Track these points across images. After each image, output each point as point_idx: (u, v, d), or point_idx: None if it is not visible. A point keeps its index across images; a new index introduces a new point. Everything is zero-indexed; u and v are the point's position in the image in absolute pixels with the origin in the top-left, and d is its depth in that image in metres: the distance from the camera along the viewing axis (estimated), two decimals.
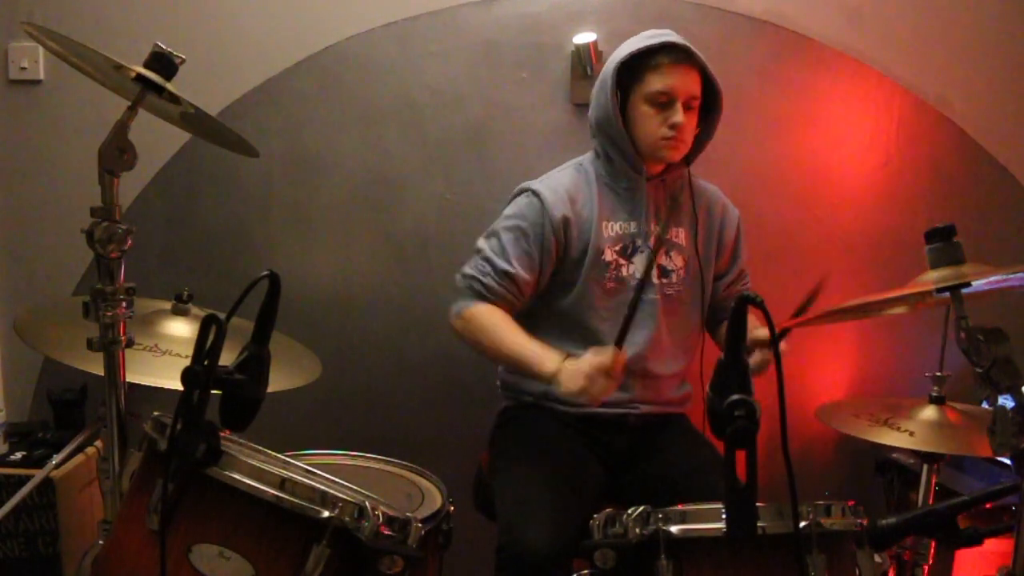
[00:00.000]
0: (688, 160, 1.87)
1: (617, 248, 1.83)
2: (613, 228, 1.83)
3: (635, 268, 1.83)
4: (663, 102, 1.76)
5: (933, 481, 1.75)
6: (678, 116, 1.75)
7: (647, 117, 1.77)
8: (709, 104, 1.83)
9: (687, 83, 1.77)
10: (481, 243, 1.84)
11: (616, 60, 1.77)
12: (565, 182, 1.85)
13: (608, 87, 1.78)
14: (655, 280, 1.84)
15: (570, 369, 1.61)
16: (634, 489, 1.78)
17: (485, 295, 1.78)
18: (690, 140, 1.82)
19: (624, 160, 1.82)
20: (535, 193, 1.83)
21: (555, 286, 1.84)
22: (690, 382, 1.94)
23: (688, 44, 1.76)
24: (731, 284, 1.98)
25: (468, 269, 1.82)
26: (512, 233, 1.80)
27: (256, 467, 1.16)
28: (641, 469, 1.82)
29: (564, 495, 1.62)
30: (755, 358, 1.68)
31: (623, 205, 1.85)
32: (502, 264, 1.78)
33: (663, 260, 1.86)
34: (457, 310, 1.81)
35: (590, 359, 1.59)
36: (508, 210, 1.86)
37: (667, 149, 1.79)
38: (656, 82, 1.75)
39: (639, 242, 1.83)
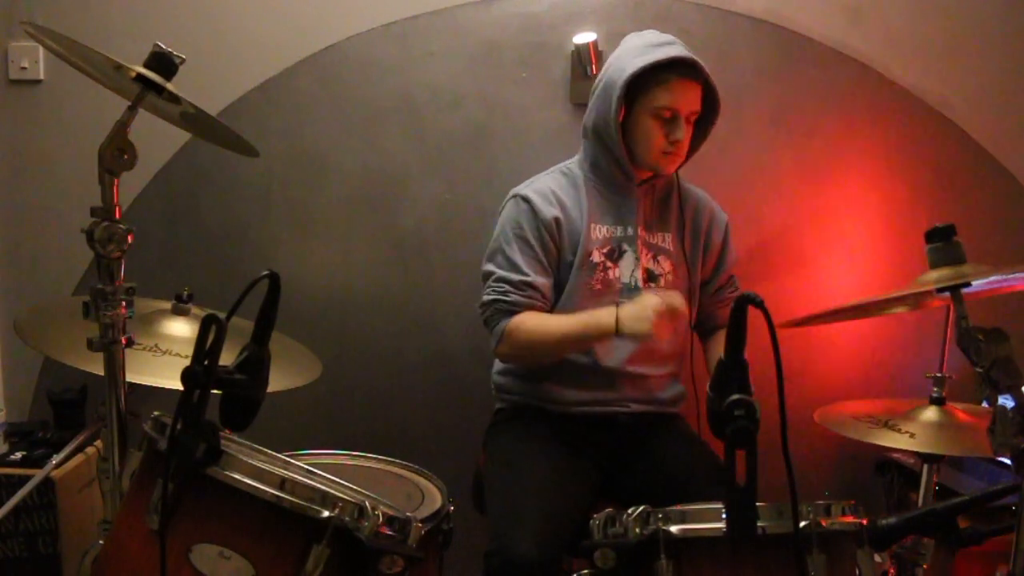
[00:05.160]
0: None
1: (605, 251, 1.83)
2: (601, 231, 1.83)
3: (621, 272, 1.83)
4: (667, 117, 1.76)
5: (933, 481, 1.75)
6: (680, 133, 1.76)
7: (650, 131, 1.77)
8: (706, 112, 1.82)
9: (691, 99, 1.77)
10: (488, 267, 1.83)
11: (627, 74, 1.73)
12: (552, 185, 1.85)
13: (614, 100, 1.75)
14: (641, 284, 1.83)
15: (632, 313, 1.65)
16: (629, 488, 1.79)
17: (515, 310, 1.77)
18: (686, 152, 1.83)
19: (616, 167, 1.83)
20: (524, 199, 1.82)
21: None
22: (683, 383, 1.94)
23: (695, 57, 1.75)
24: (719, 290, 1.97)
25: (487, 296, 1.81)
26: (516, 243, 1.80)
27: (256, 467, 1.16)
28: (635, 468, 1.82)
29: (555, 501, 1.62)
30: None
31: (611, 209, 1.85)
32: (517, 276, 1.78)
33: (650, 264, 1.85)
34: (496, 337, 1.79)
35: (650, 301, 1.64)
36: (501, 220, 1.85)
37: (665, 163, 1.80)
38: (663, 98, 1.75)
39: (625, 246, 1.84)
